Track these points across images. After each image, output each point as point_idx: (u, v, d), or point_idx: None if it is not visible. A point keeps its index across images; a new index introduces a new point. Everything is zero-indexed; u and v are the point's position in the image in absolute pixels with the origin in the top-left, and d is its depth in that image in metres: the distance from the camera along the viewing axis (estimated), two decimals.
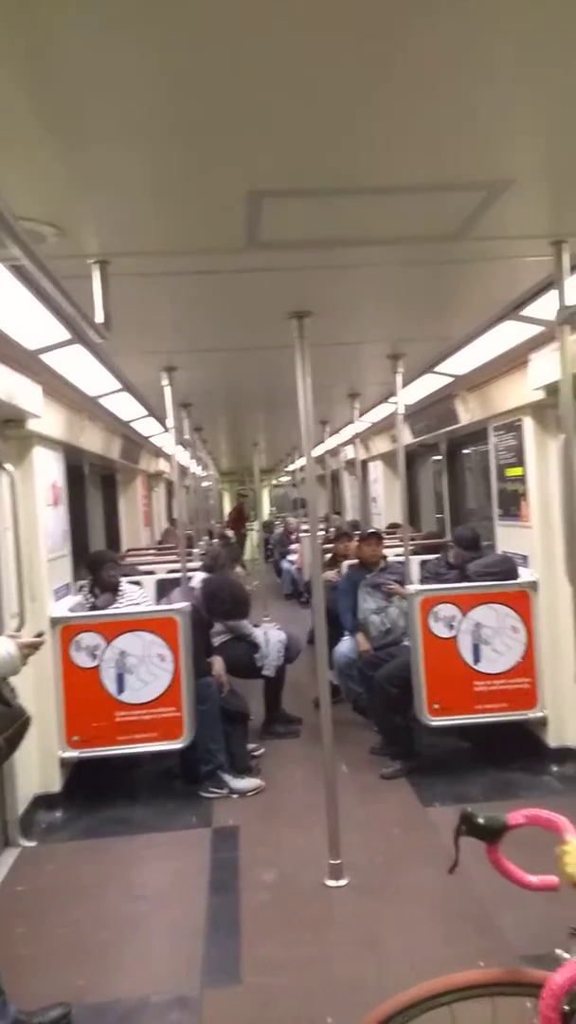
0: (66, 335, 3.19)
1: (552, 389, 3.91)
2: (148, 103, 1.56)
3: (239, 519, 18.03)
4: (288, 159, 1.81)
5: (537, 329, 3.65)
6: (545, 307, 3.24)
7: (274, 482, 20.59)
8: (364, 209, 2.17)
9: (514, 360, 4.31)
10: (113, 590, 4.90)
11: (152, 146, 1.73)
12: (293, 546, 11.91)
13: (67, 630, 4.39)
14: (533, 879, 1.60)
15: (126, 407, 5.62)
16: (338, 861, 3.41)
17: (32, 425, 4.13)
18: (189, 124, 1.64)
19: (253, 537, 15.14)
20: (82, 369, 4.12)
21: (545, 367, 3.93)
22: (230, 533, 13.81)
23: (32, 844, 3.98)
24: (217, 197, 2.01)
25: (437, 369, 4.93)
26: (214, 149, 1.75)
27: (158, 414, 6.01)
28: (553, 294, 2.82)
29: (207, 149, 1.75)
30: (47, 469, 4.50)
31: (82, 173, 1.85)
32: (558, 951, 1.42)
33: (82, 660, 4.37)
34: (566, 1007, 1.42)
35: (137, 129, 1.65)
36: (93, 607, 4.73)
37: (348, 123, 1.67)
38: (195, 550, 7.05)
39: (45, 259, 1.96)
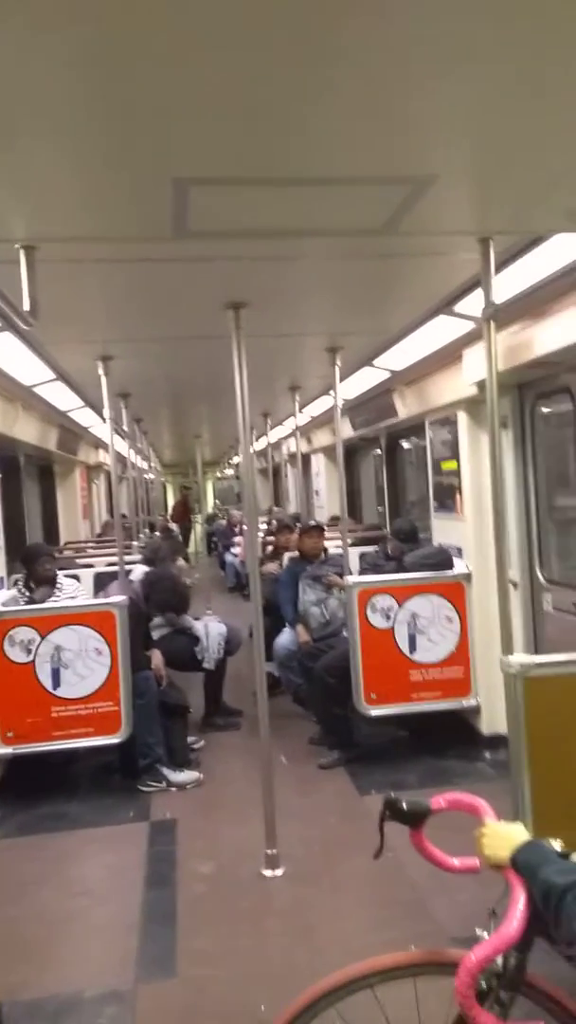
0: None
1: (484, 384, 3.98)
2: (66, 88, 1.52)
3: (185, 512, 17.89)
4: (213, 146, 1.79)
5: (470, 325, 3.71)
6: (475, 303, 3.30)
7: (218, 475, 20.50)
8: (292, 200, 2.16)
9: (449, 356, 4.38)
10: (50, 583, 4.82)
11: (71, 131, 1.69)
12: (236, 539, 11.90)
13: (0, 624, 4.30)
14: (455, 862, 1.64)
15: (62, 397, 5.52)
16: (274, 851, 3.44)
17: None
18: (109, 109, 1.61)
19: (198, 530, 15.08)
20: (13, 357, 4.03)
21: (478, 363, 4.00)
22: (174, 526, 13.72)
23: None
24: (141, 183, 1.98)
25: (375, 363, 4.98)
26: (136, 135, 1.73)
27: (95, 404, 5.92)
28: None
29: (129, 135, 1.72)
30: None
31: (2, 158, 1.80)
32: (478, 930, 1.46)
33: (16, 655, 4.29)
34: (483, 983, 1.47)
35: (56, 114, 1.61)
36: (31, 601, 4.64)
37: (272, 112, 1.67)
38: (135, 543, 6.99)
39: None
